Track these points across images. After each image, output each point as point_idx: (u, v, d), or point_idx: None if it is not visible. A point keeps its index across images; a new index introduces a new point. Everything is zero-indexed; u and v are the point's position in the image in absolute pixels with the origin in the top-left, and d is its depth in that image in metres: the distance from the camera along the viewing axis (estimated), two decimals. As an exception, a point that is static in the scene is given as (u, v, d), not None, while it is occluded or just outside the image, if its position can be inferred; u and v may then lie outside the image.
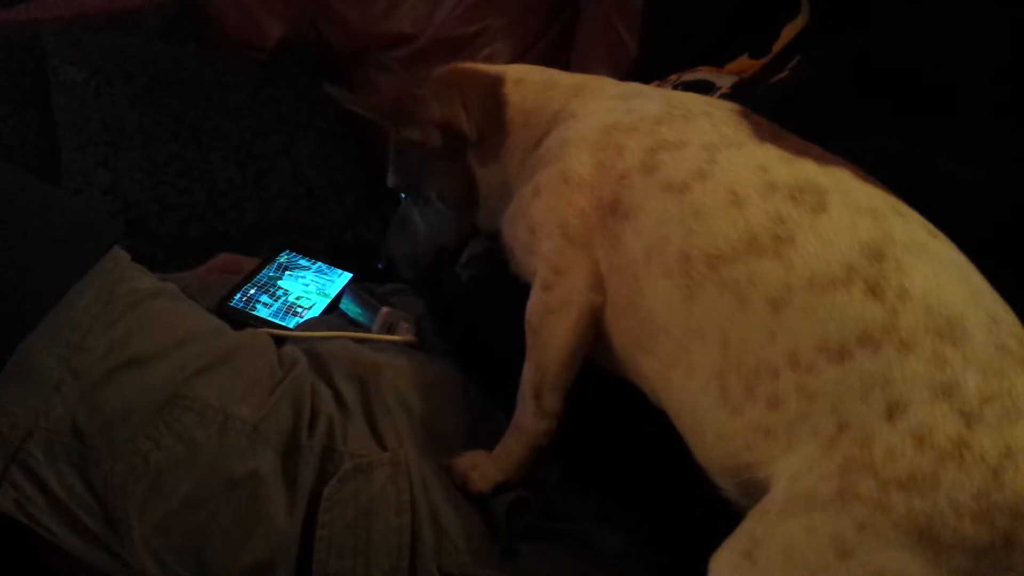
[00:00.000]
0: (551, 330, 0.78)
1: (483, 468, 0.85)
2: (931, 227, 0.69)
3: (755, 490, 0.67)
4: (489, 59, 1.80)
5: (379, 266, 1.04)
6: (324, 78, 1.93)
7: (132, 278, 0.88)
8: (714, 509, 0.71)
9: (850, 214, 0.67)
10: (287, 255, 1.30)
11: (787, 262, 0.66)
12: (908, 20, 0.87)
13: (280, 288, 1.22)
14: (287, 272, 1.27)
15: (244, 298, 1.18)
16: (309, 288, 1.25)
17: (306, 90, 1.90)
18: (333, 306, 1.20)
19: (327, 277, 1.28)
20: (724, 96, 1.04)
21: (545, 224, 0.78)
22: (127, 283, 0.86)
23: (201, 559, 0.83)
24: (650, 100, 0.80)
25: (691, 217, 0.70)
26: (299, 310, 1.20)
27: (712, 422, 0.69)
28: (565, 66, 1.54)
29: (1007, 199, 0.78)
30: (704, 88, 1.09)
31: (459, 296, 1.00)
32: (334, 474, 0.84)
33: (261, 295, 1.20)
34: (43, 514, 0.83)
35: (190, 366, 0.84)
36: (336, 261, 1.31)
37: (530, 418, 0.81)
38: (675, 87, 1.11)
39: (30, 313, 0.81)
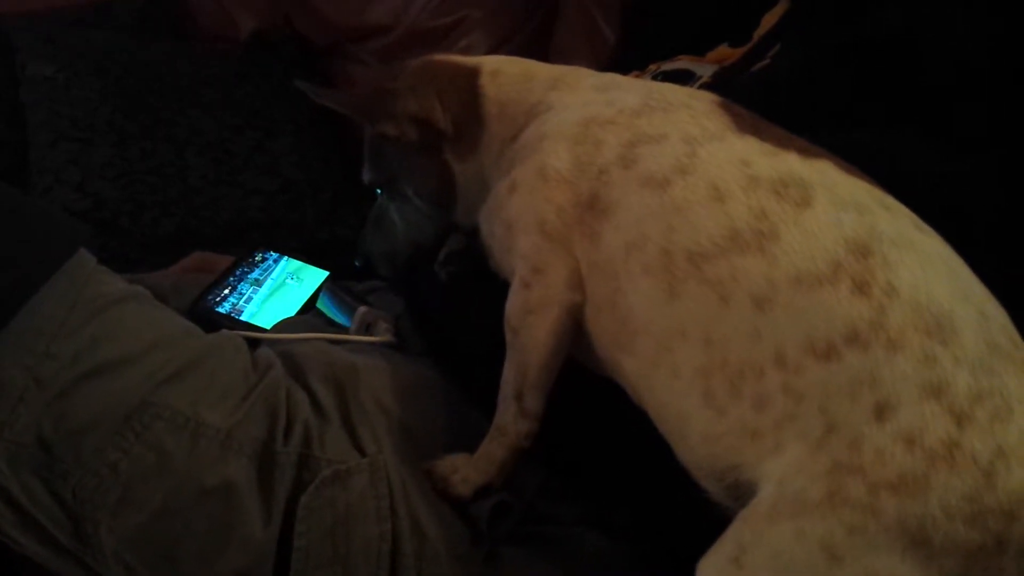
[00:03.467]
0: (531, 330, 0.76)
1: (464, 472, 0.83)
2: (918, 221, 0.67)
3: (742, 492, 0.66)
4: (466, 51, 1.78)
5: (356, 264, 1.02)
6: (299, 72, 1.90)
7: (99, 282, 0.85)
8: (700, 509, 0.69)
9: (835, 209, 0.66)
10: (262, 253, 1.28)
11: (771, 259, 0.65)
12: (892, 9, 0.85)
13: (255, 287, 1.20)
14: (262, 270, 1.24)
15: (217, 298, 1.15)
16: (284, 287, 1.22)
17: (281, 84, 1.87)
18: (309, 305, 1.18)
19: (303, 275, 1.26)
20: (705, 85, 1.03)
21: (522, 221, 0.76)
22: (93, 287, 0.84)
23: (175, 571, 0.80)
24: (628, 92, 0.79)
25: (672, 213, 0.69)
26: (274, 310, 1.17)
27: (697, 423, 0.68)
28: (544, 57, 1.52)
29: (995, 191, 0.76)
30: (684, 77, 1.08)
31: (438, 294, 0.99)
32: (311, 481, 0.82)
33: (235, 295, 1.17)
34: (10, 526, 0.81)
35: (160, 372, 0.82)
36: (312, 259, 1.29)
37: (511, 420, 0.80)
38: (655, 77, 1.10)
39: (-9, 320, 0.78)
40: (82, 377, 0.79)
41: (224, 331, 0.94)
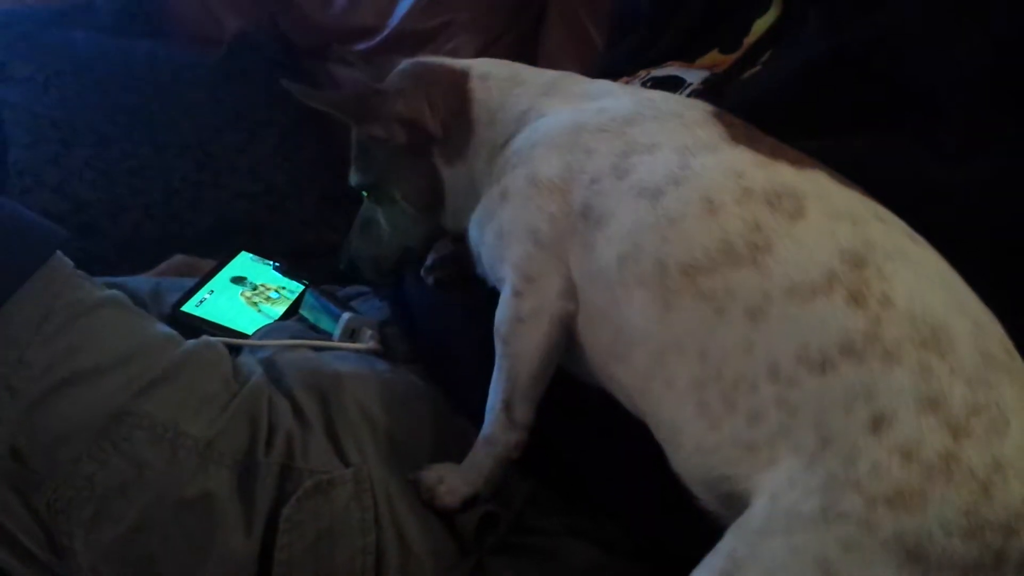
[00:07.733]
0: (522, 339, 0.75)
1: (451, 482, 0.82)
2: (912, 232, 0.67)
3: (735, 502, 0.64)
4: (453, 53, 1.76)
5: (341, 268, 1.01)
6: (283, 73, 1.88)
7: (75, 287, 0.83)
8: (691, 522, 0.68)
9: (829, 220, 0.65)
10: (245, 257, 1.26)
11: (765, 271, 0.64)
12: (884, 15, 0.85)
13: (237, 292, 1.18)
14: (245, 275, 1.22)
15: (199, 303, 1.13)
16: (268, 292, 1.20)
17: (265, 86, 1.85)
18: (293, 311, 1.17)
19: (287, 280, 1.24)
20: (695, 92, 1.02)
21: (514, 229, 0.76)
22: (70, 293, 0.82)
23: (153, 585, 0.78)
24: (620, 99, 0.78)
25: (665, 225, 0.68)
26: (257, 315, 1.16)
27: (690, 435, 0.67)
28: (532, 61, 1.51)
29: (988, 198, 0.76)
30: (674, 84, 1.07)
31: (424, 300, 0.97)
32: (293, 493, 0.80)
33: (217, 299, 1.15)
34: (-17, 539, 0.78)
35: (138, 381, 0.80)
36: (296, 263, 1.27)
37: (500, 430, 0.78)
38: (644, 83, 1.09)
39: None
40: (57, 386, 0.77)
41: (205, 337, 0.92)
